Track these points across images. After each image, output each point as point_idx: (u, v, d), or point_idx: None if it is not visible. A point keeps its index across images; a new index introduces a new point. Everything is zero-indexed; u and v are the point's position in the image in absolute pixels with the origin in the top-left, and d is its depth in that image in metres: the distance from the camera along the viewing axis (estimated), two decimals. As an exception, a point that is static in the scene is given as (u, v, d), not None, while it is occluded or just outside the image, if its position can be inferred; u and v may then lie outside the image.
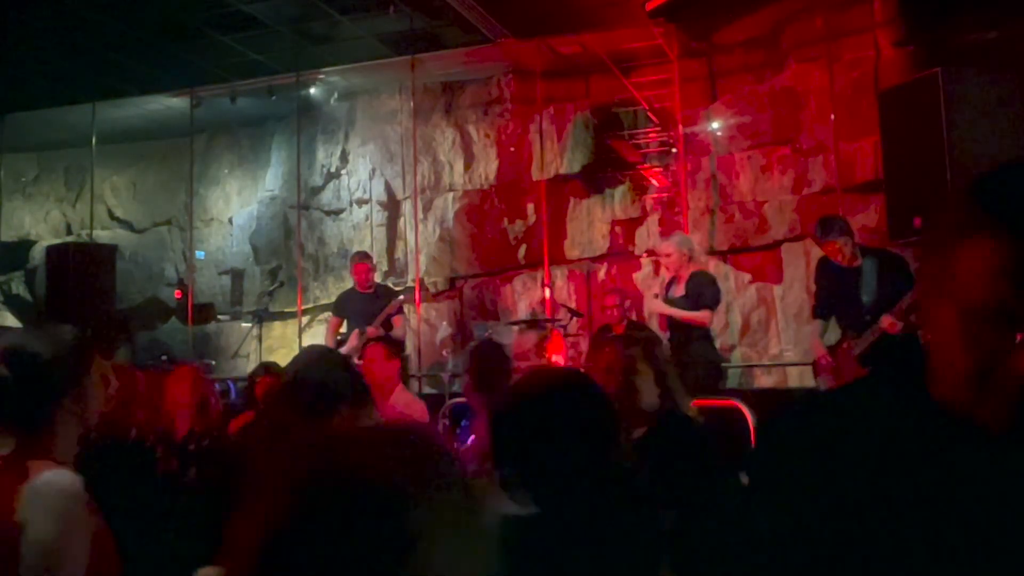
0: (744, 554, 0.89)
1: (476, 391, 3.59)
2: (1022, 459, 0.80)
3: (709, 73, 8.51)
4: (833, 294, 5.09)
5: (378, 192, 9.77)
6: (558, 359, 6.66)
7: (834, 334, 5.20)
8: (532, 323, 7.55)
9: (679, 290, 5.81)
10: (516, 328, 7.75)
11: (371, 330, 6.53)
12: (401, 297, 7.14)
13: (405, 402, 4.47)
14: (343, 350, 6.26)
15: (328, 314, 9.90)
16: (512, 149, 9.19)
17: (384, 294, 7.02)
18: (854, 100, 7.27)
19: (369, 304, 6.79)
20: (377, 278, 7.62)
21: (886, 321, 4.56)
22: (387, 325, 6.68)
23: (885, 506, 0.81)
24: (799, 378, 7.56)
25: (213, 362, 9.52)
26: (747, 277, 8.18)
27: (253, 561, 0.76)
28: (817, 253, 5.33)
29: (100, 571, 1.69)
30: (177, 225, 11.09)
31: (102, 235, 10.87)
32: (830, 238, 4.89)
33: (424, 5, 7.38)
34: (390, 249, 9.71)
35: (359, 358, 6.29)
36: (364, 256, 7.24)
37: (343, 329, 7.00)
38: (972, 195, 0.83)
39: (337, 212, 10.07)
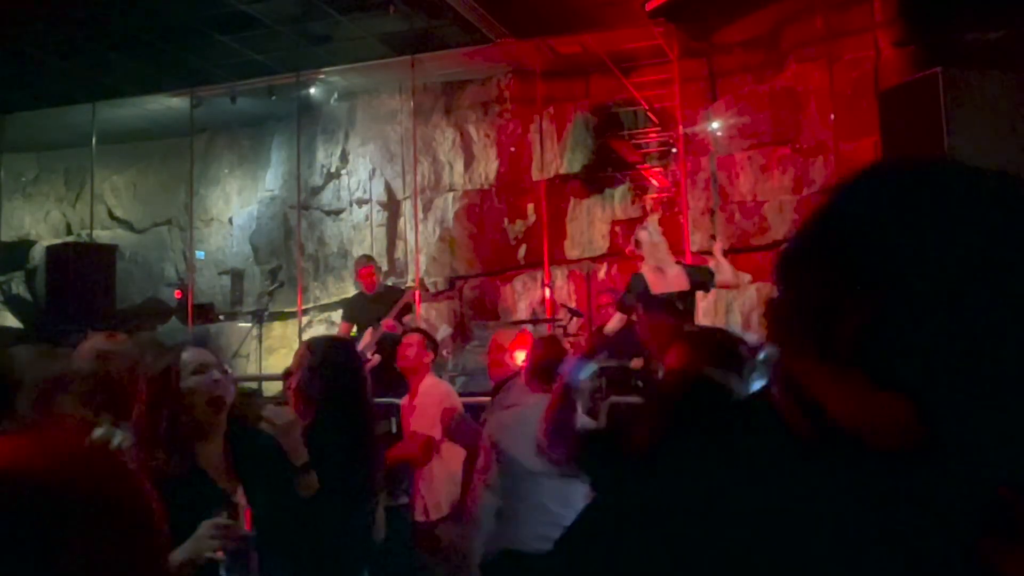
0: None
1: (532, 383, 3.57)
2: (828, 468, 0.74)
3: (709, 73, 8.50)
4: None
5: (378, 192, 9.77)
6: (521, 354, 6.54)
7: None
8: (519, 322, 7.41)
9: (682, 283, 5.60)
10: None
11: (386, 322, 6.55)
12: (413, 288, 7.19)
13: (429, 385, 4.55)
14: (359, 346, 6.30)
15: (328, 314, 9.90)
16: (512, 149, 9.18)
17: (390, 294, 7.11)
18: (854, 100, 7.26)
19: (377, 306, 6.82)
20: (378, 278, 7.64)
21: None
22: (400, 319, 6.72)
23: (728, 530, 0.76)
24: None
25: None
26: (747, 277, 8.15)
27: None
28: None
29: None
30: (177, 225, 11.08)
31: (102, 235, 10.87)
32: None
33: (424, 5, 7.37)
34: (390, 249, 9.70)
35: (372, 353, 6.32)
36: (369, 259, 7.30)
37: (354, 332, 7.00)
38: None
39: (337, 212, 10.07)
